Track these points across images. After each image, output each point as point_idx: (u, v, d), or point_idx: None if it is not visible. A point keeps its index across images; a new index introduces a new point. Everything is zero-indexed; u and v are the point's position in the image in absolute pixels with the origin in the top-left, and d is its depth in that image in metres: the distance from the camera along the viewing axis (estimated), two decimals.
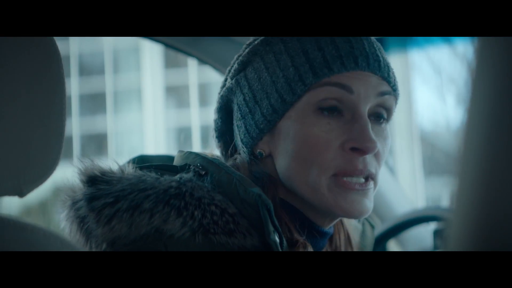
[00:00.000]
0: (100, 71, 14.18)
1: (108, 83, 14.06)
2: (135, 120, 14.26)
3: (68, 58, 13.27)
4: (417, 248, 1.51)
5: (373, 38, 0.78)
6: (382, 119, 0.76)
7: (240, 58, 0.81)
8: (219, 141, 0.85)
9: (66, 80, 0.58)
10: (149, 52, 14.02)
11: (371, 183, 0.74)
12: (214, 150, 0.86)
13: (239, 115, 0.79)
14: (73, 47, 13.61)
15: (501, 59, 0.28)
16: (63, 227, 0.70)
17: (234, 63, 0.82)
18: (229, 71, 0.83)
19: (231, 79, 0.81)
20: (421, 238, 1.51)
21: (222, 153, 0.85)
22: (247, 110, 0.78)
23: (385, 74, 0.75)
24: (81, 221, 0.67)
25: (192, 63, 12.55)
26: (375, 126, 0.75)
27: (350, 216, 0.73)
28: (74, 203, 0.68)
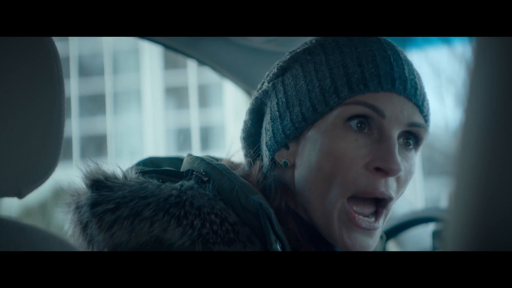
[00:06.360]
0: (100, 72, 14.17)
1: (108, 84, 14.06)
2: (134, 121, 14.26)
3: (67, 59, 13.27)
4: (416, 249, 1.51)
5: (414, 66, 0.78)
6: (410, 144, 0.76)
7: (280, 63, 0.81)
8: (245, 141, 0.85)
9: (65, 81, 0.58)
10: (149, 53, 14.02)
11: (382, 220, 0.73)
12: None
13: (269, 119, 0.79)
14: (73, 48, 13.60)
15: (499, 59, 0.28)
16: (67, 229, 0.70)
17: (273, 68, 0.82)
18: (268, 75, 0.83)
19: (268, 82, 0.81)
20: (420, 239, 1.51)
21: (245, 155, 0.85)
22: (278, 114, 0.77)
23: (419, 102, 0.74)
24: (84, 226, 0.67)
25: (191, 64, 12.55)
26: (403, 151, 0.75)
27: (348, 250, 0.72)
28: (78, 207, 0.68)
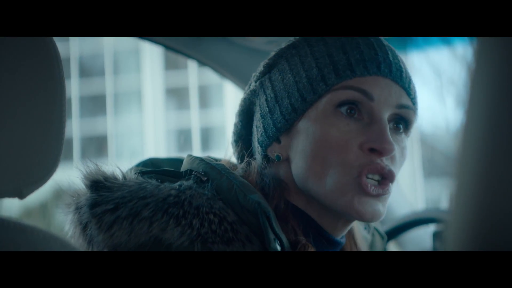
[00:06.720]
0: (101, 73, 14.18)
1: (108, 85, 14.06)
2: (135, 122, 14.26)
3: (68, 59, 13.27)
4: (416, 249, 1.51)
5: (397, 51, 0.79)
6: (400, 129, 0.77)
7: (266, 61, 0.82)
8: (236, 144, 0.85)
9: (66, 81, 0.58)
10: (149, 54, 14.02)
11: (390, 187, 0.74)
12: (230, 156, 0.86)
13: (259, 116, 0.80)
14: (74, 49, 13.61)
15: (500, 60, 0.28)
16: (67, 230, 0.70)
17: (260, 67, 0.83)
18: (254, 75, 0.84)
19: (256, 81, 0.82)
20: (420, 240, 1.51)
21: (238, 158, 0.85)
22: (267, 110, 0.78)
23: (406, 85, 0.76)
24: (84, 227, 0.68)
25: (192, 65, 12.56)
26: (394, 135, 0.76)
27: (362, 218, 0.73)
28: (78, 208, 0.69)
